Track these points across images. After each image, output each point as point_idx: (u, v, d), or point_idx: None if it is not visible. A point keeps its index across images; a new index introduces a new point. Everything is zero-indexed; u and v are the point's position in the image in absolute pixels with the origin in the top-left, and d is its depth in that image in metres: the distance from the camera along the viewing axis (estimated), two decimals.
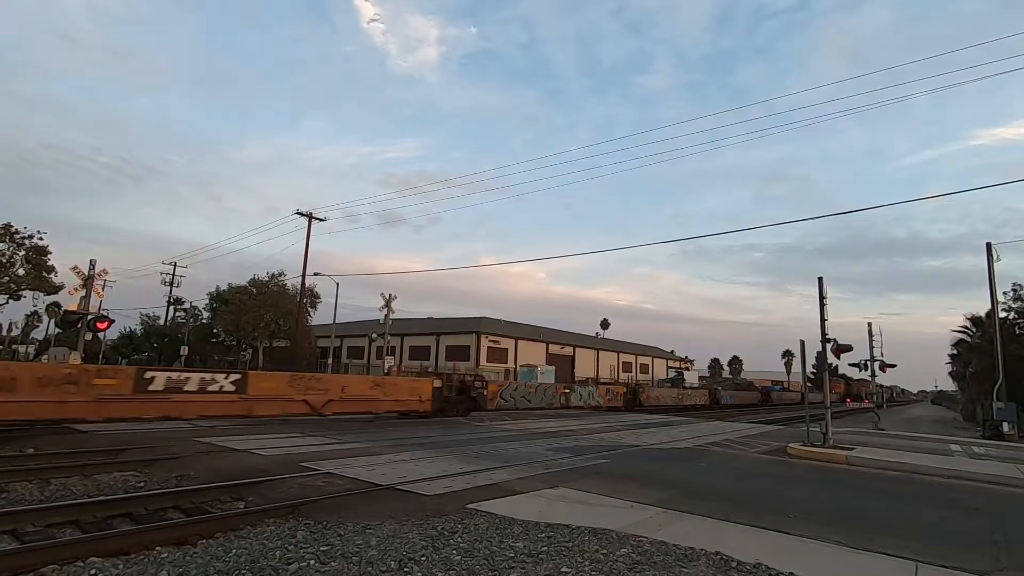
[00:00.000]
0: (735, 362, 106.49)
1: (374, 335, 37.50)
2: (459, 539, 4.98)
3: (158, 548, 4.67)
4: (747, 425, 23.53)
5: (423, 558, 4.43)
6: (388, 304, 30.33)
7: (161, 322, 56.48)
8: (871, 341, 22.02)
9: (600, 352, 66.95)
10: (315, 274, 39.47)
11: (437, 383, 19.25)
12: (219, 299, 46.95)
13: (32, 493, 6.66)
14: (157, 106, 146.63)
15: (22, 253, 32.49)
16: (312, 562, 4.31)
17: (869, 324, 22.52)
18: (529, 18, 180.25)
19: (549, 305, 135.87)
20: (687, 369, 78.22)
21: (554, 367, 46.02)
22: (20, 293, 33.03)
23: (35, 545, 4.52)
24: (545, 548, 4.75)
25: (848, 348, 14.26)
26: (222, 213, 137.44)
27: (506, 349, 53.82)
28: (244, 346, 48.15)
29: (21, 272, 32.43)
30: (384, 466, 8.75)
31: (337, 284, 39.67)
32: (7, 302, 33.42)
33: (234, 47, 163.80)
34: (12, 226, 32.38)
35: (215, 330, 50.42)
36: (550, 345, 58.92)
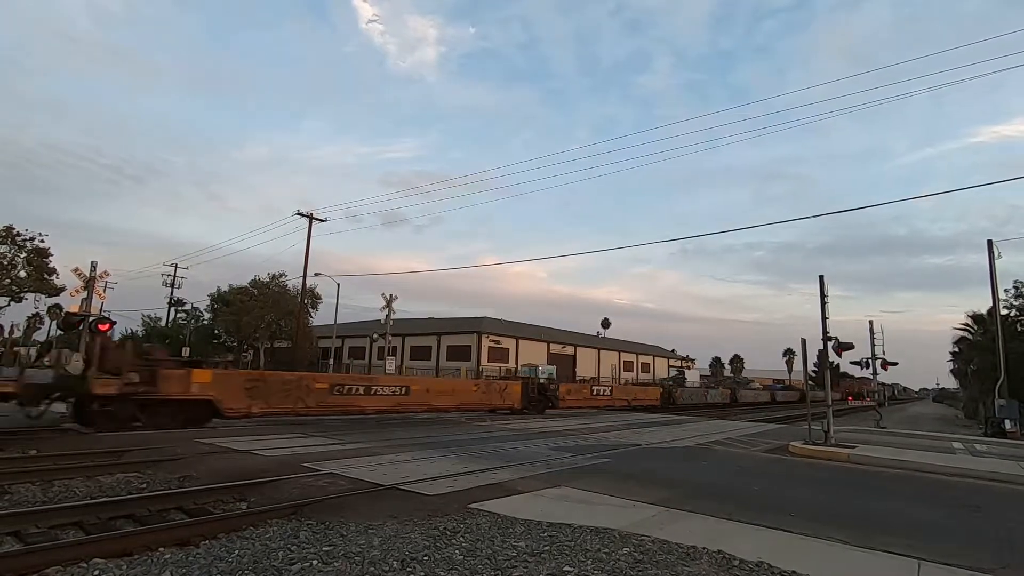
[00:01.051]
0: (736, 361, 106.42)
1: (375, 335, 37.55)
2: (461, 539, 4.99)
3: (161, 549, 4.68)
4: (749, 424, 23.52)
5: (425, 558, 4.44)
6: (389, 304, 30.36)
7: (163, 323, 56.56)
8: (872, 339, 22.01)
9: (601, 352, 66.99)
10: (316, 275, 39.56)
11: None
12: (220, 300, 47.00)
13: (35, 495, 6.67)
14: (157, 106, 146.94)
15: (24, 255, 32.56)
16: (315, 562, 4.32)
17: (871, 322, 22.51)
18: (528, 18, 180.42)
19: (550, 304, 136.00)
20: (688, 368, 78.23)
21: (555, 367, 46.04)
22: (22, 295, 33.10)
23: (38, 546, 4.53)
24: (547, 547, 4.75)
25: (850, 346, 14.26)
26: (222, 213, 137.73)
27: (507, 349, 53.87)
28: (245, 347, 48.19)
29: (23, 274, 32.50)
30: (386, 466, 8.76)
31: (338, 284, 39.75)
32: (8, 304, 33.51)
33: (234, 47, 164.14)
34: (14, 228, 32.47)
35: (216, 331, 50.48)
36: (551, 345, 58.97)
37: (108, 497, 6.46)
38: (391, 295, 31.16)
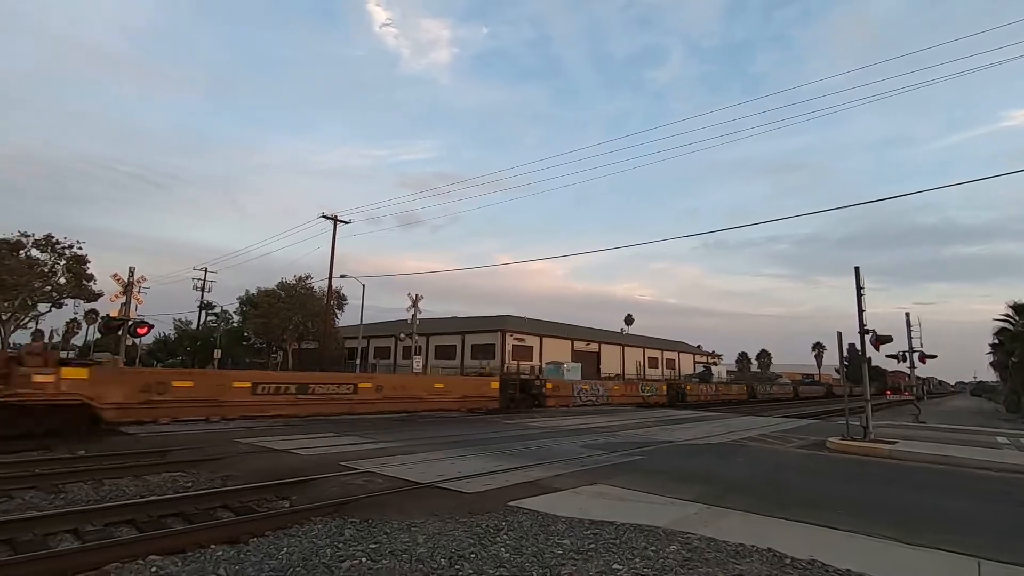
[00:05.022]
0: (763, 356, 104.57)
1: (402, 335, 37.88)
2: (505, 536, 4.99)
3: (213, 546, 4.78)
4: (781, 420, 23.10)
5: (472, 555, 4.45)
6: (415, 304, 30.59)
7: (193, 327, 57.93)
8: (909, 331, 21.37)
9: (625, 348, 66.48)
10: (342, 276, 40.04)
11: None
12: (249, 303, 47.89)
13: (88, 494, 6.88)
14: (179, 115, 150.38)
15: (63, 262, 33.66)
16: (363, 559, 4.37)
17: (907, 314, 21.87)
18: (538, 16, 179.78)
19: (569, 301, 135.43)
20: (715, 364, 77.15)
21: (580, 364, 45.86)
22: (62, 301, 34.23)
23: (97, 544, 4.67)
24: (592, 545, 4.73)
25: (888, 339, 13.88)
26: (245, 218, 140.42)
27: (531, 347, 53.80)
28: (274, 348, 49.06)
29: (62, 281, 33.60)
30: (420, 465, 8.83)
31: (363, 285, 40.19)
32: (50, 310, 34.69)
33: (251, 55, 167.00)
34: (53, 236, 33.59)
35: (245, 333, 51.46)
36: (575, 342, 58.71)
37: (157, 496, 6.62)
38: (417, 295, 31.40)
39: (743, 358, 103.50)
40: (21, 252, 32.39)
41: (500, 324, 52.56)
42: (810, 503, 7.00)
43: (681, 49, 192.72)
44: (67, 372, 11.06)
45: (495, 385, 20.53)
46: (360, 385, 16.36)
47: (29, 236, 32.94)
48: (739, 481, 8.50)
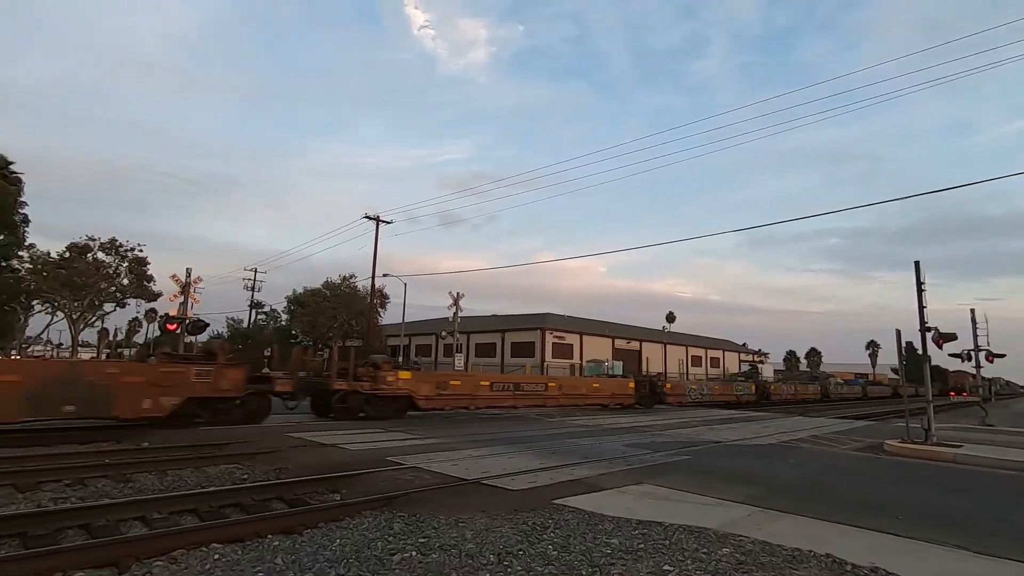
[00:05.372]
0: (813, 354, 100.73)
1: (443, 333, 38.35)
2: (552, 534, 4.99)
3: (270, 536, 4.95)
4: (833, 421, 22.22)
5: (520, 552, 4.47)
6: (456, 302, 30.91)
7: (245, 325, 60.25)
8: (975, 329, 20.14)
9: (667, 346, 65.32)
10: (384, 275, 40.88)
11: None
12: (296, 302, 49.47)
13: (153, 483, 7.25)
14: (230, 123, 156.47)
15: (126, 264, 35.61)
16: (414, 553, 4.44)
17: (972, 310, 20.62)
18: (578, 12, 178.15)
19: (610, 299, 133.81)
20: (761, 363, 74.88)
21: (622, 362, 45.34)
22: (125, 301, 36.24)
23: (164, 531, 4.92)
24: (642, 545, 4.67)
25: (952, 337, 13.15)
26: (292, 220, 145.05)
27: (571, 344, 53.57)
28: (320, 346, 50.51)
29: (125, 282, 35.56)
30: (465, 461, 8.91)
31: (405, 284, 40.90)
32: (114, 309, 36.79)
33: (292, 61, 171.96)
34: (117, 240, 35.59)
35: (294, 331, 53.16)
36: (616, 340, 58.12)
37: (216, 487, 6.93)
38: (458, 293, 31.71)
39: (791, 356, 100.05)
40: (89, 255, 34.41)
41: (540, 322, 52.50)
42: (868, 507, 6.71)
43: (724, 39, 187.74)
44: (401, 374, 16.12)
45: (632, 385, 24.67)
46: (549, 384, 20.52)
47: (96, 240, 34.99)
48: (790, 483, 8.23)
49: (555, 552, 4.48)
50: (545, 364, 48.27)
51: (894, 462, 11.23)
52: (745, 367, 71.17)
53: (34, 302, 35.30)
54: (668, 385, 27.71)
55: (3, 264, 29.73)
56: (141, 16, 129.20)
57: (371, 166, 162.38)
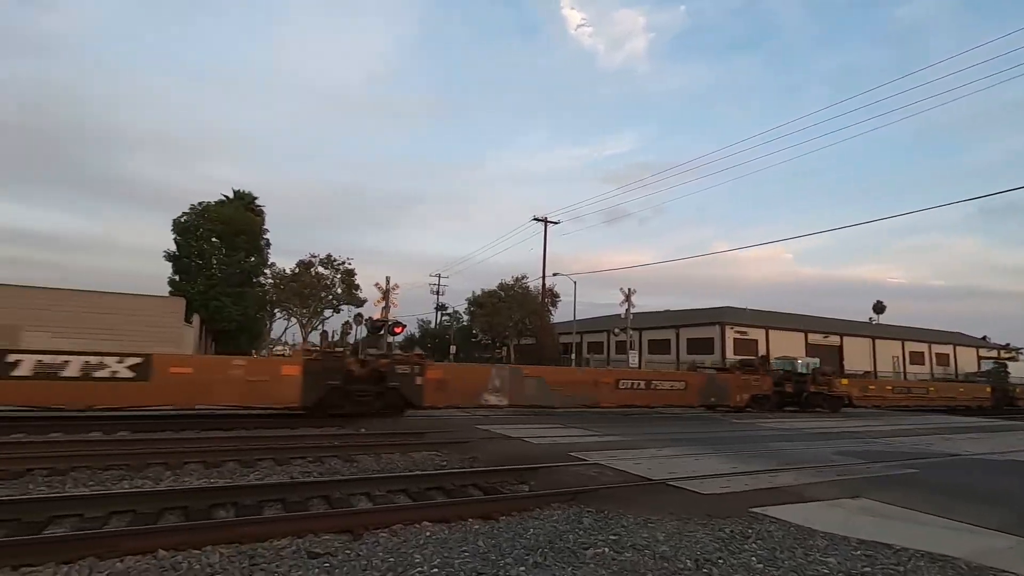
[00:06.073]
0: None
1: (615, 330, 38.02)
2: (754, 544, 4.62)
3: (470, 519, 5.36)
4: None
5: (720, 560, 4.21)
6: (628, 298, 30.41)
7: (432, 326, 66.54)
8: None
9: (876, 340, 56.46)
10: (554, 274, 41.91)
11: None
12: (475, 303, 53.14)
13: (371, 464, 8.34)
14: (415, 143, 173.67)
15: (339, 276, 41.81)
16: (606, 550, 4.46)
17: None
18: None
19: (799, 289, 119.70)
20: (1012, 359, 60.67)
21: (818, 359, 40.35)
22: (340, 307, 42.56)
23: (384, 507, 5.63)
24: (868, 569, 4.08)
25: None
26: (469, 227, 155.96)
27: (755, 340, 49.23)
28: (498, 344, 53.55)
29: (339, 290, 41.76)
30: (649, 460, 8.70)
31: (575, 283, 41.41)
32: (331, 315, 43.32)
33: (464, 80, 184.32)
34: (332, 255, 41.95)
35: (474, 331, 57.19)
36: (809, 334, 51.97)
37: (421, 471, 7.73)
38: (630, 289, 31.18)
39: None
40: (312, 270, 41.07)
41: (718, 316, 49.15)
42: None
43: None
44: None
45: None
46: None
47: (316, 257, 41.65)
48: None
49: (760, 565, 4.14)
50: (726, 361, 45.04)
51: None
52: (987, 365, 58.31)
53: (276, 310, 43.17)
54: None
55: (254, 280, 36.90)
56: (347, 60, 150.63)
57: (538, 170, 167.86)
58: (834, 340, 53.38)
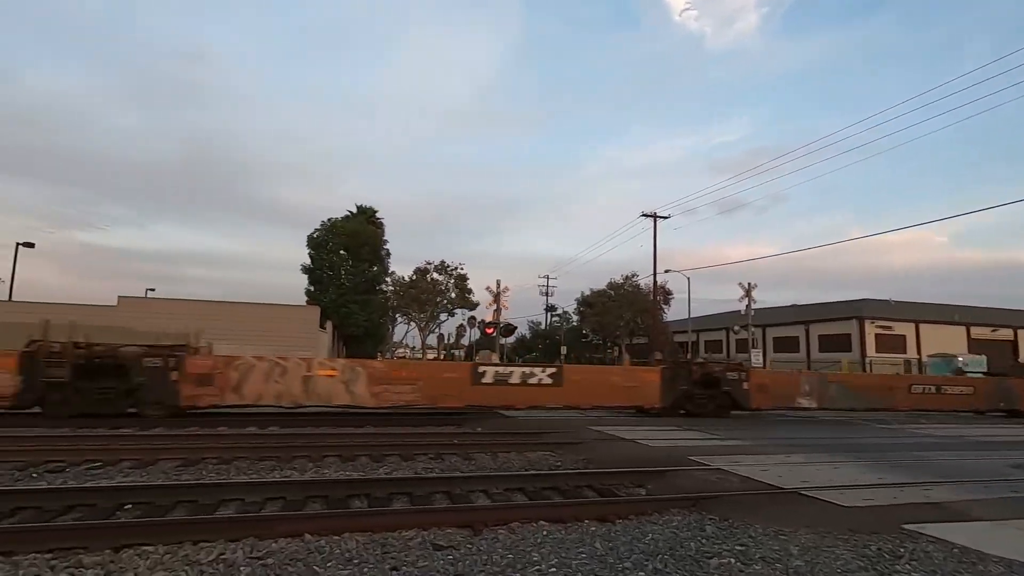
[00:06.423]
0: None
1: (736, 328, 35.85)
2: (908, 566, 4.12)
3: (586, 520, 5.34)
4: None
5: None
6: (748, 294, 28.54)
7: (542, 327, 67.17)
8: None
9: None
10: (666, 271, 40.46)
11: None
12: (584, 303, 52.86)
13: (488, 463, 8.61)
14: (517, 146, 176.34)
15: (452, 281, 43.78)
16: (731, 560, 4.23)
17: None
18: None
19: (956, 277, 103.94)
20: None
21: (984, 356, 35.01)
22: (453, 311, 44.53)
23: (503, 504, 5.81)
24: None
25: None
26: (575, 227, 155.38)
27: (902, 336, 43.93)
28: (609, 344, 52.80)
29: (453, 295, 43.73)
30: (778, 467, 8.08)
31: (688, 279, 39.69)
32: (446, 319, 45.48)
33: (567, 80, 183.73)
34: (445, 261, 44.06)
35: (584, 331, 56.91)
36: (972, 328, 45.30)
37: (536, 471, 7.84)
38: (749, 284, 29.23)
39: None
40: (428, 276, 43.40)
41: (856, 310, 44.36)
42: None
43: None
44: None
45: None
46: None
47: (431, 264, 43.93)
48: None
49: None
50: (867, 360, 40.54)
51: None
52: None
53: (396, 315, 46.14)
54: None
55: (377, 288, 39.77)
56: (456, 74, 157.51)
57: (643, 164, 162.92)
58: (1006, 334, 46.05)
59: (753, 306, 32.33)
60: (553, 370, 14.92)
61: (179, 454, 8.02)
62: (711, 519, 5.46)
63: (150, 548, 4.19)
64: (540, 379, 14.49)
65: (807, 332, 48.24)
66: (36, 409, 11.78)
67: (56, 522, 4.86)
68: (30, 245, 34.13)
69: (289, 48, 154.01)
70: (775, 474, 7.50)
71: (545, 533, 4.95)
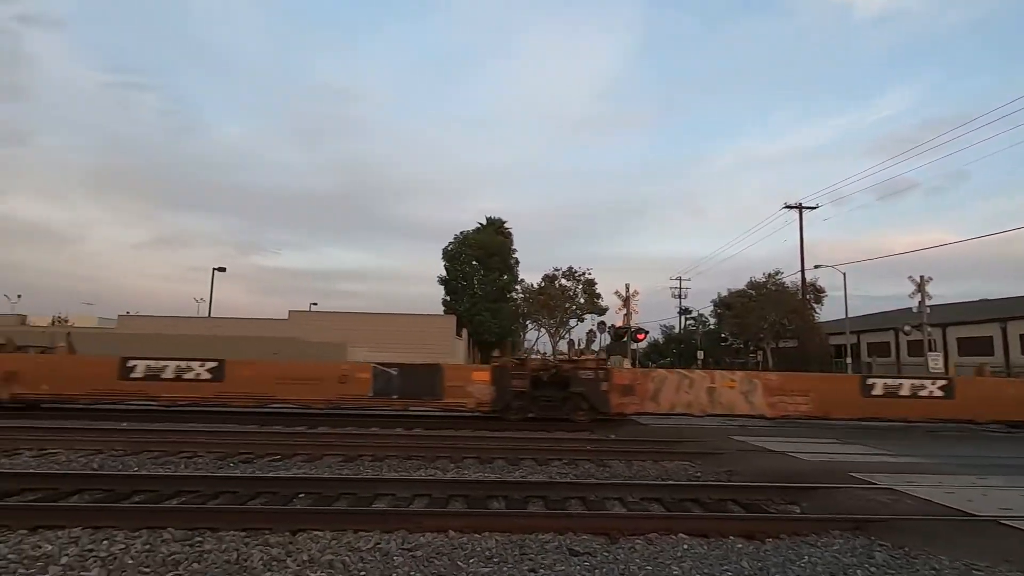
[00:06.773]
0: None
1: (906, 328, 31.34)
2: None
3: (731, 537, 5.02)
4: None
5: None
6: (921, 287, 24.81)
7: (676, 331, 64.32)
8: None
9: None
10: (816, 267, 36.69)
11: None
12: (722, 304, 49.66)
13: (623, 470, 8.44)
14: (641, 145, 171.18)
15: (580, 287, 43.71)
16: None
17: None
18: None
19: None
20: None
21: None
22: (583, 316, 44.39)
23: (640, 514, 5.66)
24: None
25: None
26: (709, 225, 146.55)
27: None
28: (752, 348, 49.00)
29: (581, 300, 43.61)
30: (967, 490, 6.94)
31: (844, 274, 35.53)
32: (576, 325, 45.43)
33: (691, 70, 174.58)
34: (573, 267, 44.16)
35: (723, 335, 53.44)
36: None
37: (674, 481, 7.53)
38: (922, 277, 25.41)
39: None
40: (556, 283, 43.81)
41: None
42: None
43: None
44: None
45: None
46: None
47: (558, 270, 44.32)
48: None
49: None
50: None
51: None
52: None
53: (527, 322, 47.14)
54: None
55: (507, 296, 41.05)
56: (577, 81, 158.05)
57: (783, 151, 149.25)
58: None
59: (928, 302, 27.95)
60: (943, 383, 14.36)
61: (340, 451, 8.95)
62: (882, 545, 4.85)
63: (320, 533, 4.74)
64: (930, 391, 14.06)
65: (1004, 332, 40.53)
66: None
67: (248, 505, 5.70)
68: (222, 269, 40.62)
69: (422, 74, 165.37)
70: (963, 497, 6.46)
71: (686, 547, 4.76)
